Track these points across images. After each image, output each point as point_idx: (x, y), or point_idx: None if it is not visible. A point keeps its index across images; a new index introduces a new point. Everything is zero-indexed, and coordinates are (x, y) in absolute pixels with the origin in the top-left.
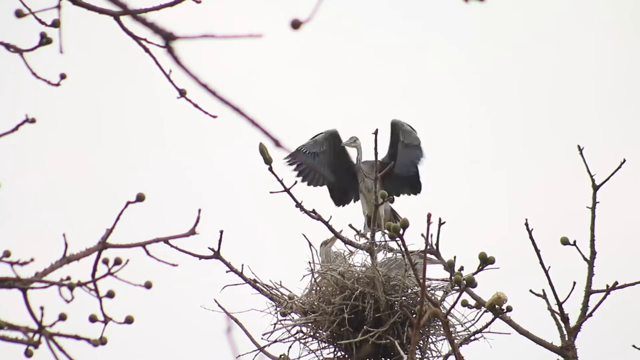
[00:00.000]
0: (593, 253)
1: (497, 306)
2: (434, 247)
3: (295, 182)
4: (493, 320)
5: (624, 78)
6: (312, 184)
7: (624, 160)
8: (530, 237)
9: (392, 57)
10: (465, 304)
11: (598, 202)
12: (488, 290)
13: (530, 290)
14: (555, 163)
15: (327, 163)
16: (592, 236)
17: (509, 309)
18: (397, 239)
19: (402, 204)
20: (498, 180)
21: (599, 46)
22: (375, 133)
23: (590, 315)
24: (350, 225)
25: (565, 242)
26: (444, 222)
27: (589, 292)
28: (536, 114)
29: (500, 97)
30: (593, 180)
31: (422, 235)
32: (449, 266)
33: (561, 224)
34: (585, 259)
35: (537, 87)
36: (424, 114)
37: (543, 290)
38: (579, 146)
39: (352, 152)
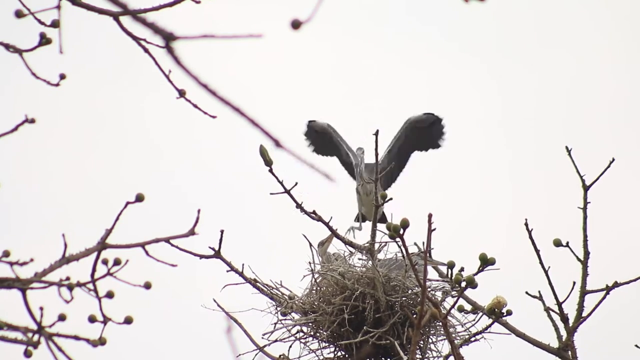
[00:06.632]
0: (586, 253)
1: (496, 310)
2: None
3: (296, 184)
4: (492, 324)
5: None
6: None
7: (613, 159)
8: (530, 237)
9: (405, 63)
10: (461, 309)
11: (589, 202)
12: (489, 293)
13: (526, 292)
14: (556, 166)
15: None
16: (585, 236)
17: (509, 312)
18: (397, 239)
19: (403, 206)
20: (506, 185)
21: (615, 54)
22: (376, 134)
23: (590, 315)
24: (350, 243)
25: (558, 243)
26: (434, 229)
27: (584, 292)
28: (550, 120)
29: (515, 104)
30: (583, 181)
31: (421, 242)
32: (450, 267)
33: (567, 226)
34: (578, 259)
35: (553, 95)
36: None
37: (539, 291)
38: (566, 147)
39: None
